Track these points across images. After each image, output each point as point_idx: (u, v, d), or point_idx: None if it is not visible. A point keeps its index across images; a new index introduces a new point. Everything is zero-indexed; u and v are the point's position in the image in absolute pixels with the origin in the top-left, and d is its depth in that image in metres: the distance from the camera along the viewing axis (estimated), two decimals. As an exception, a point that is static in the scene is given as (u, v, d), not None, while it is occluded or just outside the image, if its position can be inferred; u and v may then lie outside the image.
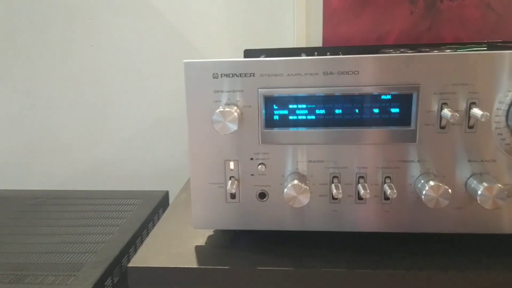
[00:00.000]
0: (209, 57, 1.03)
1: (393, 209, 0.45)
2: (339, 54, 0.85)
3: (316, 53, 0.85)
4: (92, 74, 1.00)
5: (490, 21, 0.95)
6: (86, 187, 1.02)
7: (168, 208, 0.59)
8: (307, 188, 0.42)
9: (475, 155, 0.43)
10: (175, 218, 0.55)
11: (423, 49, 0.74)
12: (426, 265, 0.43)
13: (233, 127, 0.42)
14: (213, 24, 1.00)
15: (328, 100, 0.44)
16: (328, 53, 0.83)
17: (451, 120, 0.40)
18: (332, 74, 0.43)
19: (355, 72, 0.42)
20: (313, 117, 0.44)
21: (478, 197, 0.41)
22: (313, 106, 0.44)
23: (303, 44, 1.00)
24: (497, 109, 0.42)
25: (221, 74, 0.44)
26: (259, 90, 0.44)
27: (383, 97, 0.43)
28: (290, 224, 0.47)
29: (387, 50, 0.75)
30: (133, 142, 1.00)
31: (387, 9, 0.97)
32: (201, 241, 0.49)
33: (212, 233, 0.51)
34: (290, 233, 0.48)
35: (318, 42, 1.01)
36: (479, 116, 0.39)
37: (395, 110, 0.43)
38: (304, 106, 0.44)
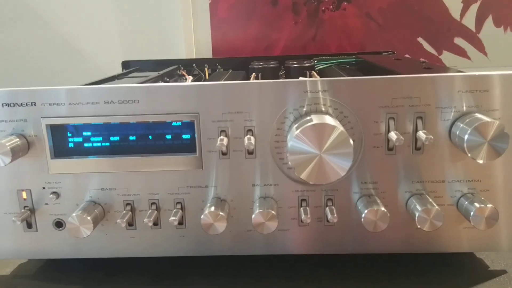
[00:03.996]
0: (102, 66, 1.02)
1: (188, 233, 0.46)
2: (216, 66, 0.85)
3: (194, 64, 0.85)
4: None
5: (371, 30, 0.97)
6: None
7: None
8: (89, 219, 0.42)
9: (258, 179, 0.44)
10: None
11: (292, 61, 0.75)
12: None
13: (5, 160, 0.41)
14: (104, 33, 0.98)
15: (111, 128, 0.44)
16: (206, 65, 0.83)
17: (218, 149, 0.41)
18: (113, 103, 0.43)
19: (135, 101, 0.43)
20: (100, 145, 0.44)
21: (252, 220, 0.42)
22: (101, 134, 0.44)
23: (192, 54, 1.00)
24: (276, 135, 0.43)
25: (2, 104, 0.43)
26: (42, 119, 0.43)
27: (173, 123, 0.44)
28: (88, 251, 0.46)
29: (257, 63, 0.75)
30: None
31: (272, 19, 0.98)
32: (8, 270, 0.48)
33: (26, 261, 0.50)
34: (102, 260, 0.48)
35: (208, 52, 1.01)
36: (245, 144, 0.40)
37: (182, 137, 0.44)
38: (90, 134, 0.44)
